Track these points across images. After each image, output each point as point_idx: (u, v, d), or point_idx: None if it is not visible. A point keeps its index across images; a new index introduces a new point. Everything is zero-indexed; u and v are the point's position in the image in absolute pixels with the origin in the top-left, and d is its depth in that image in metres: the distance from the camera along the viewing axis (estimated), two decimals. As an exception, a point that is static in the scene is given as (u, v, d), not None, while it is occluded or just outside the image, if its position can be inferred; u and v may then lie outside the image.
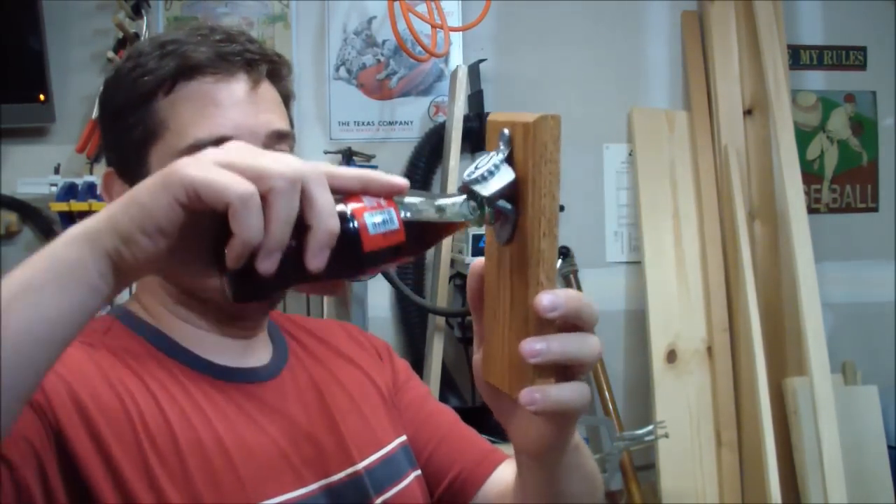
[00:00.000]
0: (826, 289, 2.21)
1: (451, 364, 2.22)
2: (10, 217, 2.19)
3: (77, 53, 2.22)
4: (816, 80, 2.54)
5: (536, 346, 0.61)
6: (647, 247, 2.33)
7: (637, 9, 2.46)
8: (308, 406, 0.93)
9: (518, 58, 2.40)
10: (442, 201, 0.63)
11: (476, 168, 0.63)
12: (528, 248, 0.62)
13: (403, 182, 0.61)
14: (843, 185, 2.55)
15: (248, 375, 0.91)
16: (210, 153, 0.58)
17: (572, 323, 0.63)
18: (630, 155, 2.42)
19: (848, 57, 2.55)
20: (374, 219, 0.59)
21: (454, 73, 2.19)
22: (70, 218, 2.10)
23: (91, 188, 2.10)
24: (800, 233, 2.13)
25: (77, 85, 2.21)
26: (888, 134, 2.56)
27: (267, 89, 0.90)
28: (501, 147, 0.64)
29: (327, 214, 0.57)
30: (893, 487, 2.19)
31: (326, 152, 2.26)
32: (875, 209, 2.56)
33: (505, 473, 0.98)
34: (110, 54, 2.15)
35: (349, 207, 0.59)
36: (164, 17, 2.28)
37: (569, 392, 0.63)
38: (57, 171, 2.15)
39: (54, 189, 2.10)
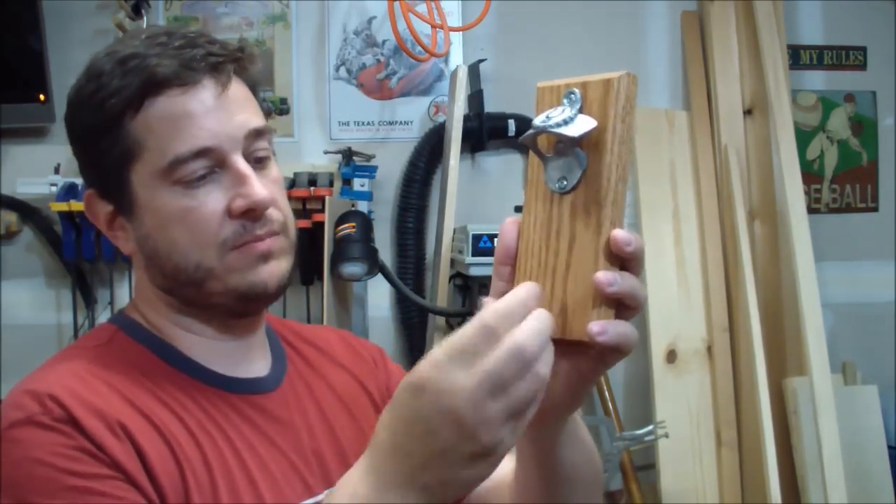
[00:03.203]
0: (826, 289, 2.21)
1: (451, 364, 2.21)
2: (10, 217, 2.20)
3: (77, 53, 2.22)
4: (816, 80, 2.54)
5: (610, 277, 0.65)
6: (647, 247, 2.32)
7: (637, 9, 2.46)
8: (308, 416, 0.94)
9: (518, 58, 2.39)
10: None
11: (548, 118, 0.66)
12: (602, 191, 0.66)
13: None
14: (843, 185, 2.55)
15: (255, 386, 0.92)
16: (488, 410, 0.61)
17: (632, 265, 0.68)
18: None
19: (848, 57, 2.54)
20: None
21: (454, 73, 2.19)
22: (70, 218, 2.10)
23: (91, 188, 2.10)
24: (800, 233, 2.13)
25: (77, 85, 2.21)
26: (888, 134, 2.56)
27: (236, 88, 0.87)
28: (566, 104, 0.68)
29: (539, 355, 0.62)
30: (893, 487, 2.19)
31: (326, 152, 2.26)
32: (875, 209, 2.56)
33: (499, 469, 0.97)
34: (110, 54, 2.15)
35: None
36: (164, 17, 2.28)
37: (629, 328, 0.67)
38: (57, 171, 2.15)
39: (54, 189, 2.11)
